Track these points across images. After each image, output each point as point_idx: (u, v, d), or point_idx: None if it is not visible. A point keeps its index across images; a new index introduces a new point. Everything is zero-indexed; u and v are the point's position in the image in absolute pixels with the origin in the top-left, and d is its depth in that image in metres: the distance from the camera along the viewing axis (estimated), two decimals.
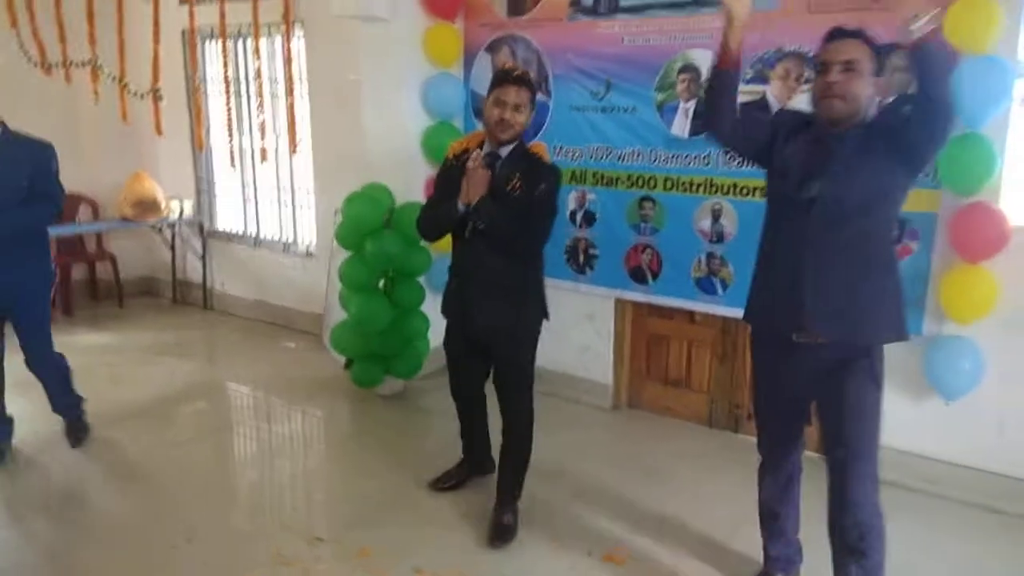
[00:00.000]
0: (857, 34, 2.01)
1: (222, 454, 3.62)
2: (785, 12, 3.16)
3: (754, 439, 2.48)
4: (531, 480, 2.96)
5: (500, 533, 2.77)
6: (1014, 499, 2.98)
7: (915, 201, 2.91)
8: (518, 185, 2.56)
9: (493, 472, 3.07)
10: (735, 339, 3.66)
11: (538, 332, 2.87)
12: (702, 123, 2.31)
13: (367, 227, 3.77)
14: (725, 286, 3.49)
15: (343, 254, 4.04)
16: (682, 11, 3.44)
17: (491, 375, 2.97)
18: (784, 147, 2.14)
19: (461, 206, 2.57)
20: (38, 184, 3.15)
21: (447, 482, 3.16)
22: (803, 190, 2.06)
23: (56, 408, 3.57)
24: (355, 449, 3.64)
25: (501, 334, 2.77)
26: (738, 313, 3.47)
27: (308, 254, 5.23)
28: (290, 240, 5.36)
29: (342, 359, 4.33)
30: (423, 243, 4.07)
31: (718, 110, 2.20)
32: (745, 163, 3.15)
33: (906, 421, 3.08)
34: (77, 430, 3.58)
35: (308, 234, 5.27)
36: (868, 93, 2.01)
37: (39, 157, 3.19)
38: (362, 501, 3.09)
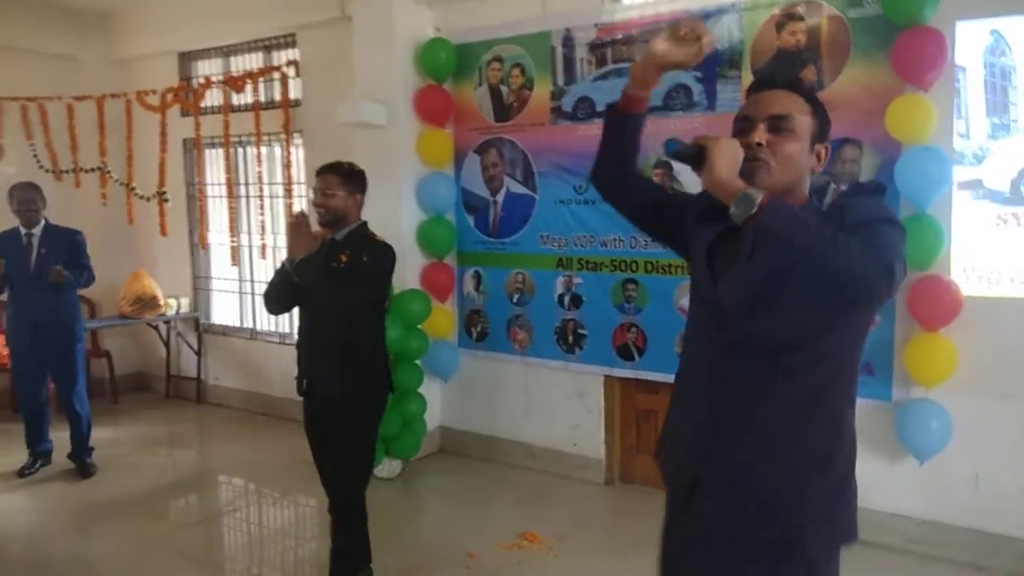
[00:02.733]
0: (792, 84, 1.50)
1: (215, 544, 3.67)
2: None
3: None
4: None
5: None
6: (994, 555, 3.13)
7: None
8: (343, 260, 2.69)
9: None
10: None
11: (379, 403, 2.86)
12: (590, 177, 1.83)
13: None
14: None
15: None
16: (652, 114, 3.80)
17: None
18: (692, 234, 1.62)
19: (286, 262, 2.66)
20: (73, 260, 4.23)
21: None
22: (703, 298, 1.55)
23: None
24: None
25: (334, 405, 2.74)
26: None
27: None
28: (287, 331, 5.53)
29: None
30: (419, 327, 4.29)
31: (603, 158, 1.71)
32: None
33: (884, 483, 3.25)
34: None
35: None
36: (806, 164, 1.47)
37: (73, 241, 4.33)
38: None
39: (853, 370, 1.49)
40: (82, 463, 4.38)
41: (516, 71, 4.28)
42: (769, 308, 1.41)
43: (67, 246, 4.27)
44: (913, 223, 3.06)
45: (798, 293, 1.36)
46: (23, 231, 4.22)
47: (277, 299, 2.82)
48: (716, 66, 3.60)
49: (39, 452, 4.42)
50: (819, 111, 1.49)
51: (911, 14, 3.04)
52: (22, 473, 4.32)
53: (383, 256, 2.76)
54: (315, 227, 2.73)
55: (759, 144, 1.43)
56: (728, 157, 1.36)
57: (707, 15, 3.56)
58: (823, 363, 1.42)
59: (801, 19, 3.37)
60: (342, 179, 2.75)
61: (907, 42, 3.07)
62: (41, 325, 4.20)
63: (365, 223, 2.86)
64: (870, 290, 1.26)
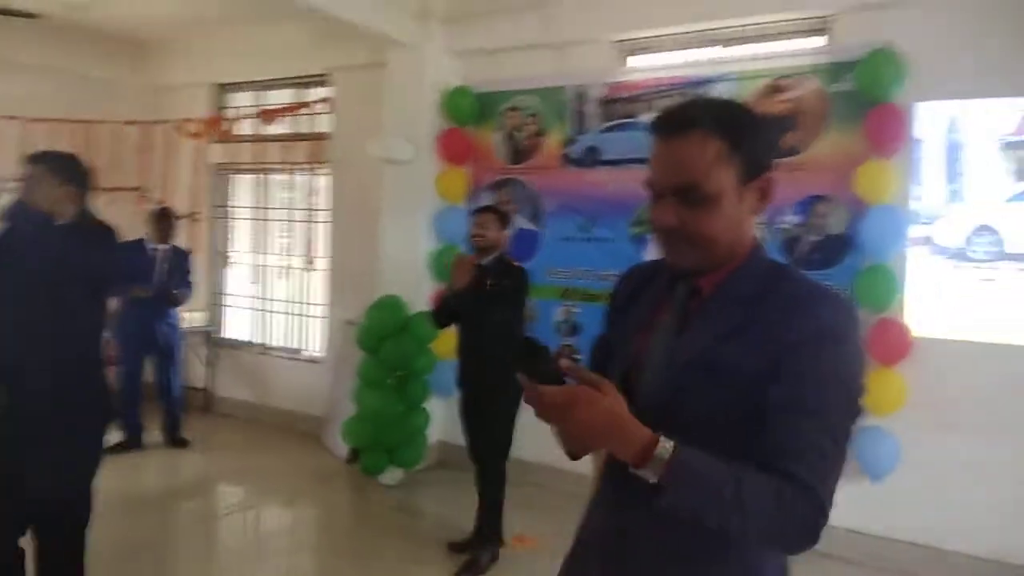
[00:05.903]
0: (695, 121, 1.11)
1: (219, 546, 3.93)
2: None
3: None
4: None
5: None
6: (937, 568, 3.50)
7: None
8: (492, 283, 3.36)
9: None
10: None
11: (516, 392, 3.52)
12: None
13: (386, 331, 4.36)
14: None
15: (355, 357, 4.57)
16: (637, 165, 4.27)
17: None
18: (625, 316, 1.33)
19: (448, 291, 3.44)
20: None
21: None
22: (628, 380, 1.20)
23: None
24: (364, 533, 4.02)
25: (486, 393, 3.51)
26: None
27: (313, 360, 5.73)
28: (299, 347, 5.88)
29: (343, 454, 4.75)
30: (428, 346, 4.66)
31: None
32: None
33: (844, 501, 3.62)
34: None
35: (314, 342, 5.80)
36: (741, 219, 1.15)
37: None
38: None
39: None
40: None
41: (531, 120, 4.77)
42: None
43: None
44: (873, 272, 3.53)
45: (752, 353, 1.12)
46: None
47: (442, 318, 3.60)
48: None
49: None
50: (744, 139, 1.12)
51: (881, 93, 3.56)
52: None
53: (522, 279, 3.44)
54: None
55: (666, 228, 1.14)
56: (585, 431, 1.05)
57: (707, 80, 4.06)
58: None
59: (788, 89, 3.88)
60: (496, 217, 3.49)
61: (876, 116, 3.57)
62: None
63: (505, 252, 3.53)
64: (795, 550, 1.09)
